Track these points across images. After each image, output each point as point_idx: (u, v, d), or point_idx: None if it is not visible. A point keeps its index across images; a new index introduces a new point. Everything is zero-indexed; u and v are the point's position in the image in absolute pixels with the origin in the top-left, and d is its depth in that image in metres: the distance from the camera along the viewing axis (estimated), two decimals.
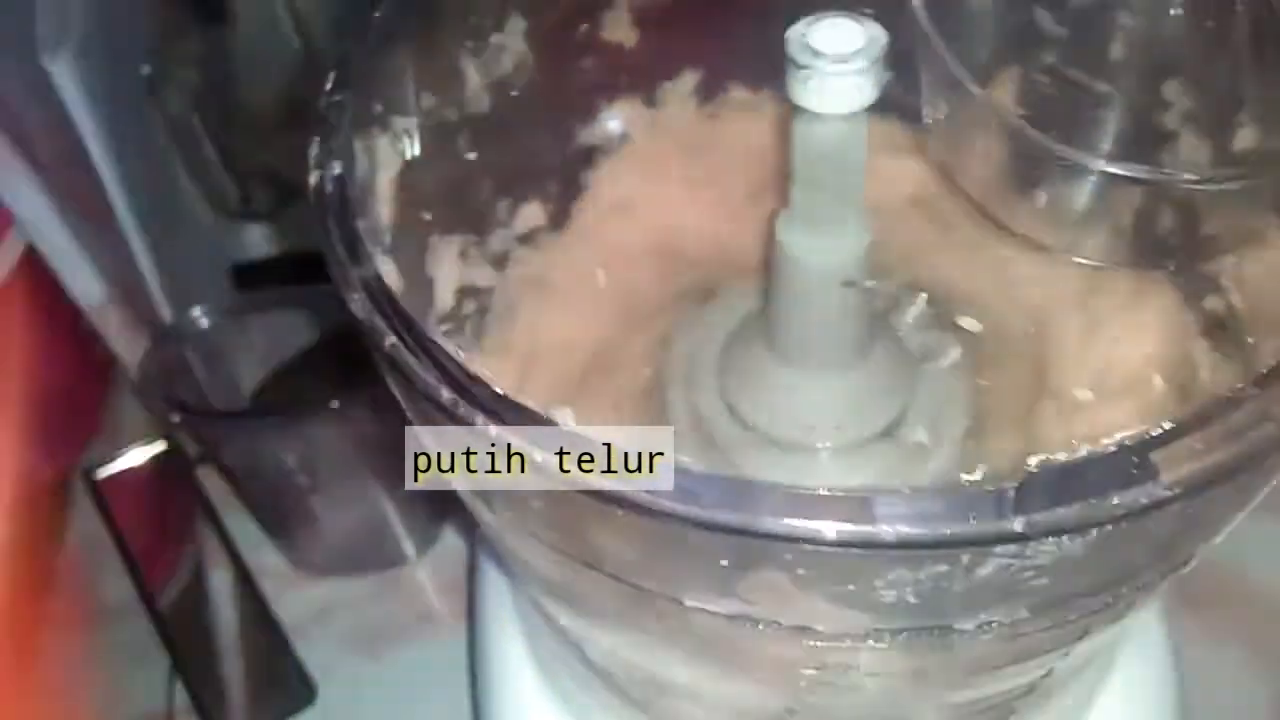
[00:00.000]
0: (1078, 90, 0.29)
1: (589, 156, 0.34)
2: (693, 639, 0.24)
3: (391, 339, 0.21)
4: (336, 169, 0.24)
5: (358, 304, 0.22)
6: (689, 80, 0.35)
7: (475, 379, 0.21)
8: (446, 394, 0.21)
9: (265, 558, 0.50)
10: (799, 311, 0.27)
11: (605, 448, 0.20)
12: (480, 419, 0.20)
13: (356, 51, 0.26)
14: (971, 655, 0.23)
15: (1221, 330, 0.28)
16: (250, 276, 0.52)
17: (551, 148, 0.33)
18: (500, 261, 0.32)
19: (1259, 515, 0.50)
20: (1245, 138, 0.25)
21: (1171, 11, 0.28)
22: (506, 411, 0.20)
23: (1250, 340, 0.27)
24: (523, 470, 0.20)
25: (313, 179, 0.24)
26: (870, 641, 0.22)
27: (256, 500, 0.48)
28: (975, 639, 0.22)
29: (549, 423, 0.20)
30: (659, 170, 0.34)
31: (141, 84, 0.48)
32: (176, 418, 0.43)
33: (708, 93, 0.35)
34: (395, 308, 0.22)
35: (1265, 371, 0.20)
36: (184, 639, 0.48)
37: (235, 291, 0.51)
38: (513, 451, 0.20)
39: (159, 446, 0.49)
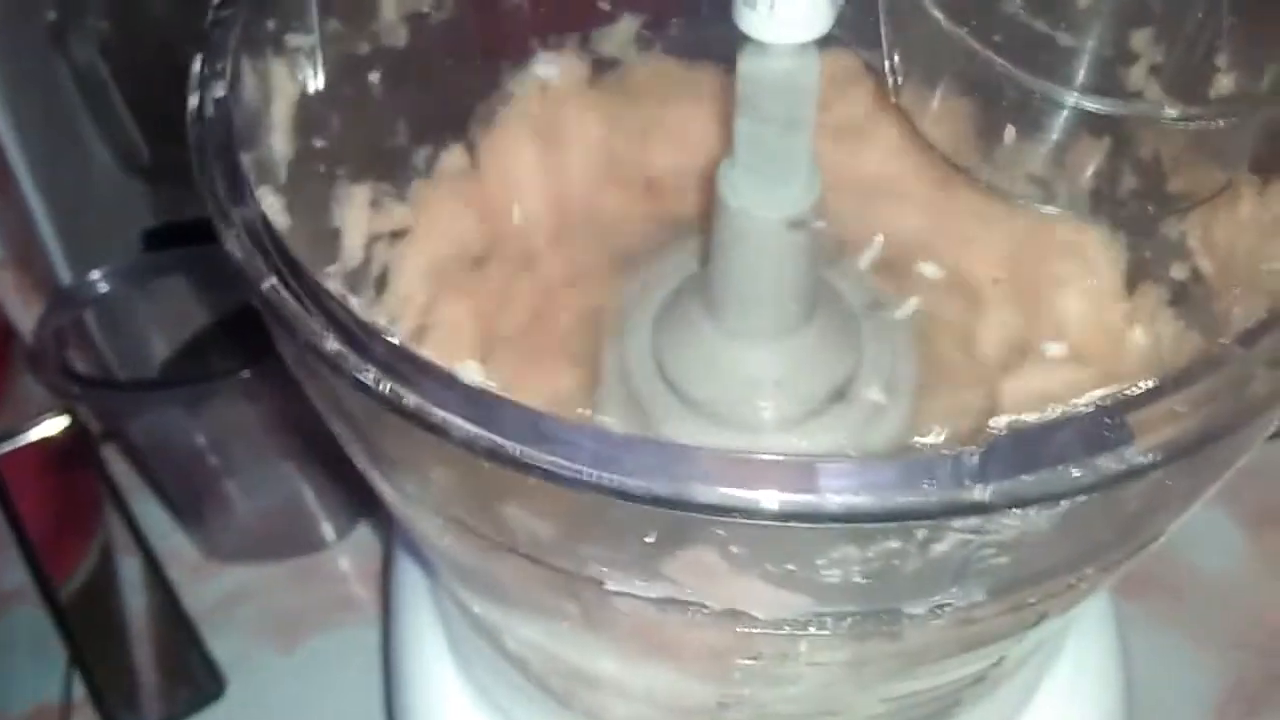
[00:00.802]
0: (1041, 40, 0.27)
1: (514, 103, 0.31)
2: (616, 627, 0.22)
3: (270, 280, 0.18)
4: (219, 91, 0.21)
5: (235, 242, 0.19)
6: (629, 23, 0.32)
7: (366, 327, 0.18)
8: (332, 344, 0.18)
9: (174, 543, 0.47)
10: (740, 266, 0.25)
11: (514, 406, 0.17)
12: (372, 373, 0.18)
13: None
14: (921, 642, 0.21)
15: (1187, 300, 0.27)
16: (163, 241, 0.48)
17: (476, 91, 0.31)
18: (415, 211, 0.29)
19: (1205, 503, 0.50)
20: (1222, 84, 0.24)
21: None
22: (401, 364, 0.18)
23: (1216, 308, 0.25)
24: (422, 433, 0.18)
25: (192, 102, 0.21)
26: (811, 628, 0.20)
27: (164, 482, 0.45)
28: (926, 625, 0.20)
29: (450, 378, 0.18)
30: (592, 117, 0.31)
31: (44, 31, 0.44)
32: (74, 389, 0.40)
33: (650, 39, 0.33)
34: (278, 247, 0.19)
35: (1250, 328, 0.18)
36: (86, 629, 0.45)
37: (140, 254, 0.48)
38: (409, 411, 0.18)
39: (62, 422, 0.46)
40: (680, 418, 0.26)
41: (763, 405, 0.26)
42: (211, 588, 0.46)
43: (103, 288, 0.41)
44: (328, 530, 0.47)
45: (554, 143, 0.31)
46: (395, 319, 0.27)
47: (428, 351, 0.18)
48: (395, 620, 0.35)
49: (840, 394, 0.25)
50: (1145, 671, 0.41)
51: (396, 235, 0.28)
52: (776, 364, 0.26)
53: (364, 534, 0.48)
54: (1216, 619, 0.45)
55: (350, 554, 0.47)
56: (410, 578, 0.34)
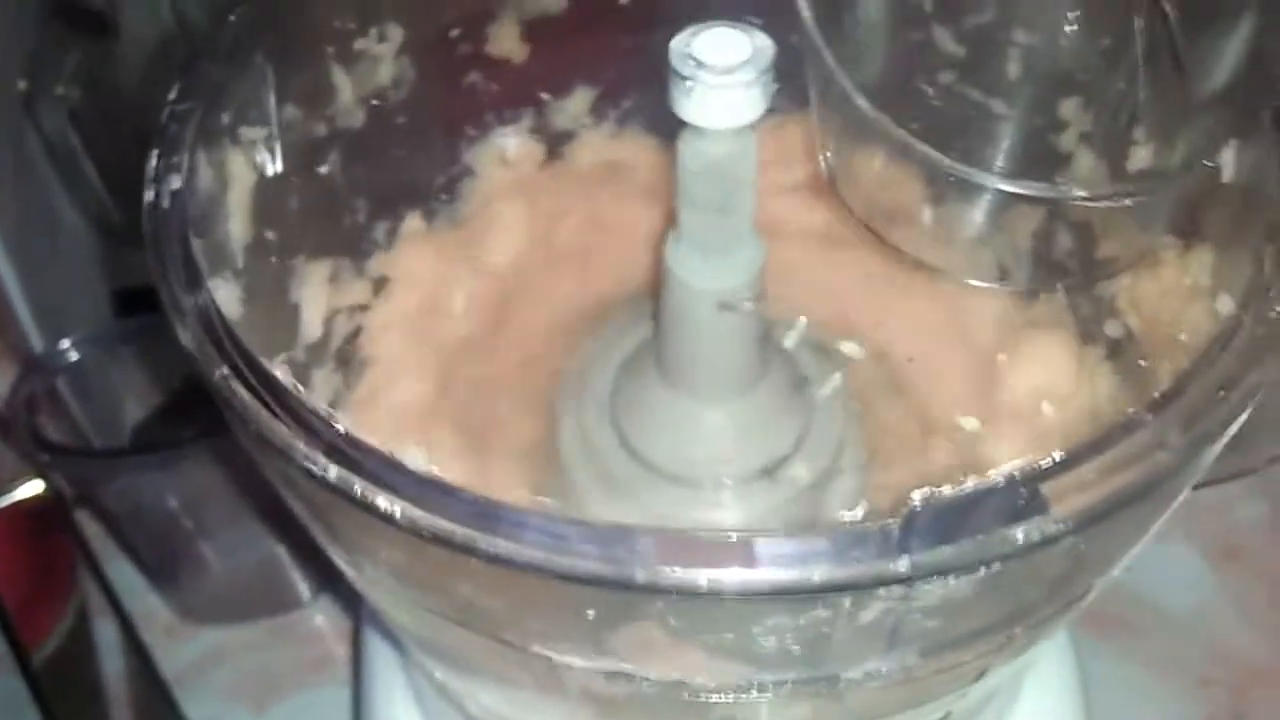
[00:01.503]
0: (976, 110, 0.29)
1: (474, 177, 0.32)
2: (569, 695, 0.22)
3: (222, 369, 0.19)
4: (175, 184, 0.22)
5: (188, 333, 0.20)
6: (583, 97, 0.33)
7: (315, 415, 0.19)
8: (283, 433, 0.19)
9: (148, 605, 0.47)
10: (687, 336, 0.25)
11: (458, 491, 0.18)
12: (320, 461, 0.18)
13: (207, 59, 0.24)
14: (863, 702, 0.22)
15: (1122, 356, 0.28)
16: (134, 304, 0.49)
17: (434, 168, 0.31)
18: (377, 286, 0.30)
19: (1167, 540, 0.50)
20: (1140, 156, 0.25)
21: (1067, 29, 0.28)
22: (349, 451, 0.18)
23: (1145, 364, 0.26)
24: (371, 517, 0.18)
25: (148, 195, 0.22)
26: (754, 693, 0.20)
27: (138, 545, 0.46)
28: (865, 686, 0.20)
29: (396, 465, 0.18)
30: (549, 190, 0.32)
31: (16, 100, 0.45)
32: (45, 457, 0.40)
33: (603, 110, 0.34)
34: (230, 336, 0.20)
35: (1158, 396, 0.19)
36: (61, 695, 0.45)
37: (112, 319, 0.48)
38: (356, 498, 0.18)
39: (36, 487, 0.46)
40: (638, 478, 0.27)
41: (713, 467, 0.26)
42: (187, 650, 0.46)
43: (73, 356, 0.42)
44: (303, 589, 0.47)
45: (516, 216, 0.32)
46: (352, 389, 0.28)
47: (383, 425, 0.19)
48: (365, 682, 0.36)
49: (787, 459, 0.25)
50: (1111, 709, 0.41)
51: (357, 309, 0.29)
52: (726, 427, 0.27)
53: (339, 593, 0.48)
54: (1182, 655, 0.45)
55: (326, 613, 0.47)
56: (379, 640, 0.35)
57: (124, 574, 0.47)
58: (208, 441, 0.40)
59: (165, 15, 0.47)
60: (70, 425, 0.43)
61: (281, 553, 0.46)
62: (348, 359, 0.29)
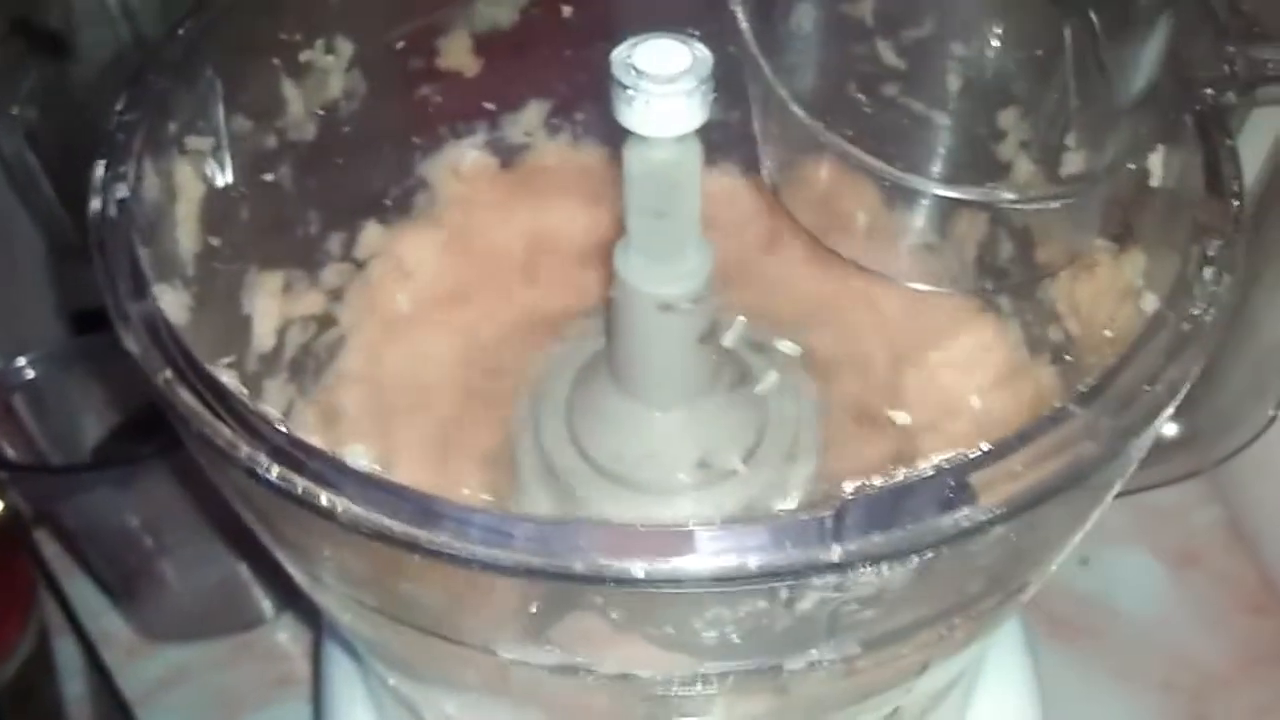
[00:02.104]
0: (917, 121, 0.29)
1: (427, 189, 0.32)
2: (516, 693, 0.22)
3: (165, 373, 0.19)
4: (122, 193, 0.22)
5: (132, 338, 0.20)
6: (537, 110, 0.34)
7: (257, 415, 0.19)
8: (226, 434, 0.19)
9: (108, 624, 0.47)
10: (639, 341, 0.26)
11: (399, 488, 0.18)
12: (263, 460, 0.19)
13: (154, 70, 0.24)
14: (808, 695, 0.22)
15: (1064, 359, 0.28)
16: (91, 323, 0.49)
17: (388, 180, 0.32)
18: (333, 296, 0.31)
19: (1126, 546, 0.51)
20: (1073, 161, 0.26)
21: (1001, 43, 0.29)
22: (291, 451, 0.19)
23: (1089, 362, 0.26)
24: (314, 517, 0.19)
25: (93, 204, 0.22)
26: (699, 686, 0.21)
27: (98, 563, 0.45)
28: (808, 678, 0.21)
29: (338, 463, 0.19)
30: (502, 202, 0.33)
31: None
32: (2, 474, 0.40)
33: (558, 124, 0.34)
34: (175, 341, 0.20)
35: (1085, 390, 0.19)
36: (26, 712, 0.44)
37: (69, 337, 0.48)
38: (298, 496, 0.18)
39: None
40: (592, 483, 0.27)
41: (668, 472, 0.27)
42: (148, 668, 0.46)
43: (29, 373, 0.42)
44: (265, 606, 0.47)
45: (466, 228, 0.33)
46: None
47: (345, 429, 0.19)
48: (325, 695, 0.36)
49: (744, 461, 0.26)
50: (1073, 712, 0.42)
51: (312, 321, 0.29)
52: (680, 432, 0.27)
53: (301, 609, 0.48)
54: (1142, 659, 0.45)
55: (288, 629, 0.47)
56: (339, 653, 0.35)
57: (84, 594, 0.47)
58: (166, 458, 0.40)
59: (122, 35, 0.47)
60: (27, 443, 0.43)
61: (243, 570, 0.46)
62: (302, 369, 0.29)
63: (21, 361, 0.41)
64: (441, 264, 0.33)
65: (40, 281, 0.50)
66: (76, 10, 0.46)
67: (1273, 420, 0.39)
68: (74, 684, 0.46)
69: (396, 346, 0.32)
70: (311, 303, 0.30)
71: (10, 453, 0.41)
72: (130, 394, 0.47)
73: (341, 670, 0.35)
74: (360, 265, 0.32)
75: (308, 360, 0.30)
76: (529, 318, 0.33)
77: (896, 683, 0.23)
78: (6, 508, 0.46)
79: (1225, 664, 0.45)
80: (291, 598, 0.47)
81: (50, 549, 0.47)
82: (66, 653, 0.46)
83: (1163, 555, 0.49)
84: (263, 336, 0.28)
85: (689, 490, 0.27)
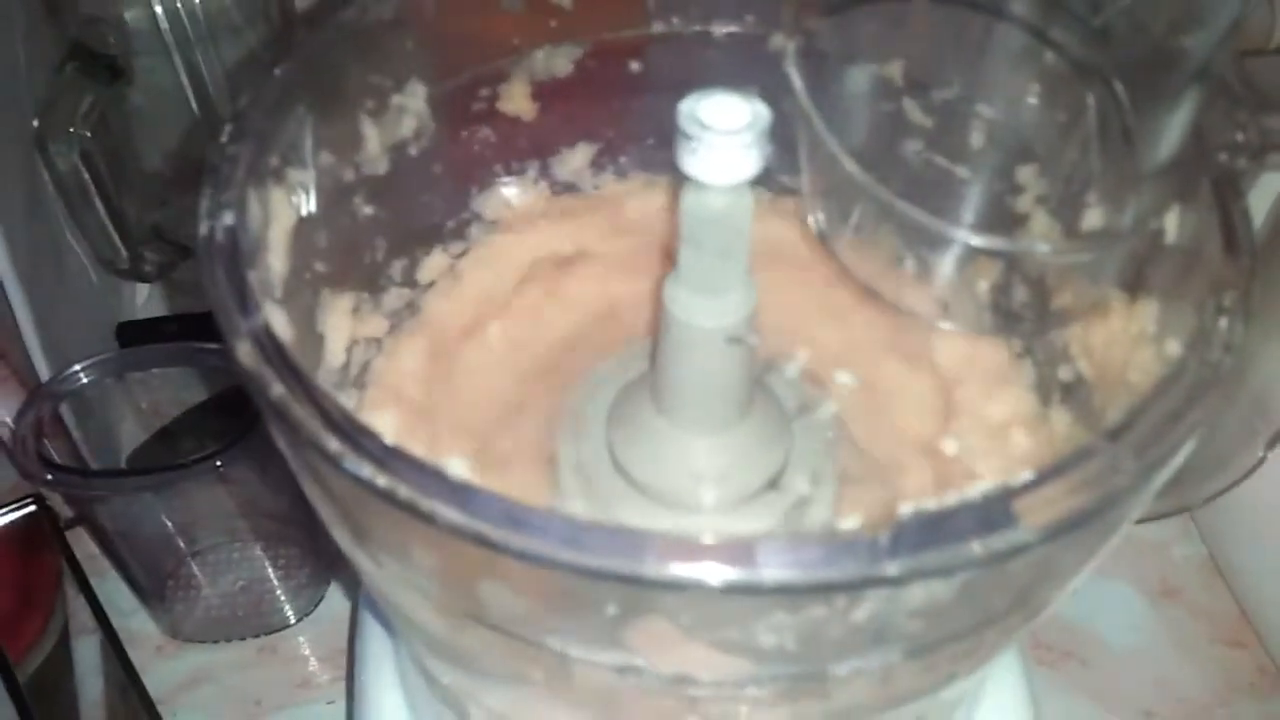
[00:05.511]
0: (942, 174, 0.31)
1: (484, 221, 0.34)
2: (576, 693, 0.24)
3: (279, 388, 0.21)
4: (228, 219, 0.24)
5: (245, 354, 0.22)
6: (584, 152, 0.36)
7: (363, 429, 0.21)
8: (334, 444, 0.21)
9: (136, 623, 0.48)
10: (684, 370, 0.28)
11: (494, 496, 0.20)
12: (368, 469, 0.20)
13: (254, 107, 0.26)
14: (847, 699, 0.24)
15: (1074, 397, 0.31)
16: (136, 335, 0.50)
17: (446, 212, 0.34)
18: (394, 318, 0.32)
19: (1111, 578, 0.53)
20: (1092, 217, 0.28)
21: (1027, 102, 0.31)
22: (394, 462, 0.20)
23: (1098, 404, 0.29)
24: (412, 520, 0.20)
25: (202, 229, 0.24)
26: (750, 688, 0.22)
27: (131, 564, 0.47)
28: (850, 684, 0.22)
29: (439, 473, 0.20)
30: (555, 235, 0.35)
31: (30, 138, 0.47)
32: (49, 476, 0.41)
33: (603, 164, 0.36)
34: (284, 357, 0.22)
35: (1114, 427, 0.21)
36: (44, 712, 0.45)
37: (117, 349, 0.50)
38: (403, 502, 0.20)
39: (27, 508, 0.47)
40: (630, 502, 0.29)
41: (703, 492, 0.29)
42: (174, 668, 0.47)
43: (80, 380, 0.43)
44: (289, 611, 0.48)
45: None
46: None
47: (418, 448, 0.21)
48: (360, 696, 0.37)
49: (772, 483, 0.28)
50: None
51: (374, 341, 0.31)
52: (716, 455, 0.29)
53: (324, 614, 0.49)
54: (1124, 686, 0.47)
55: (310, 634, 0.48)
56: (376, 653, 0.36)
57: (112, 592, 0.48)
58: (202, 466, 0.41)
59: (175, 63, 0.50)
60: (69, 449, 0.45)
61: (271, 575, 0.48)
62: (363, 384, 0.31)
63: (75, 368, 0.43)
64: (491, 289, 0.35)
65: (88, 295, 0.51)
66: (132, 38, 0.48)
67: (1261, 461, 0.41)
68: (92, 684, 0.47)
69: (441, 364, 0.34)
70: (376, 324, 0.32)
71: (55, 457, 0.42)
72: (167, 404, 0.49)
73: (378, 671, 0.36)
74: (419, 287, 0.34)
75: (367, 375, 0.31)
76: (570, 342, 0.35)
77: (925, 691, 0.25)
78: (39, 511, 0.47)
79: (1204, 694, 0.47)
80: (315, 604, 0.49)
81: (82, 550, 0.48)
82: (87, 654, 0.48)
83: (1144, 588, 0.51)
84: (335, 354, 0.29)
85: (722, 510, 0.29)
